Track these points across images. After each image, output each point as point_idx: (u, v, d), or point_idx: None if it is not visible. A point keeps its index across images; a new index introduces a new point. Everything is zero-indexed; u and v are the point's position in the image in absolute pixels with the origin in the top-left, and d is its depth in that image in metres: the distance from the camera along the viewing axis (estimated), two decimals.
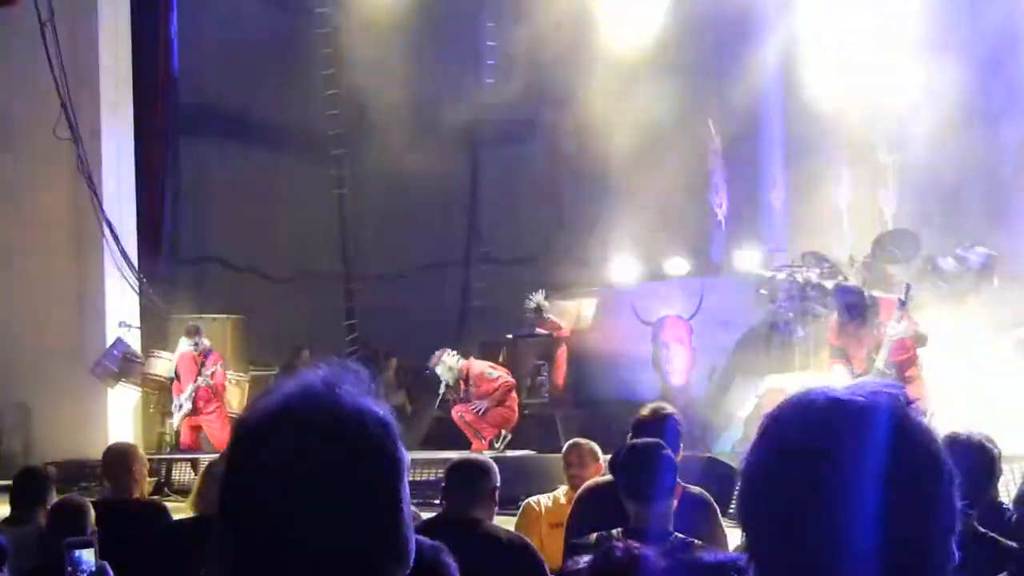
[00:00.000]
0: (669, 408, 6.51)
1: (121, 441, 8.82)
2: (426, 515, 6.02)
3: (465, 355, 15.54)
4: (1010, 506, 5.47)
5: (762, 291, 15.48)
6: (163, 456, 15.40)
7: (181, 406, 15.60)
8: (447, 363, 14.97)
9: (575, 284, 19.33)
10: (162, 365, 16.16)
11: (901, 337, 10.84)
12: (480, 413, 14.57)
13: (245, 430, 1.81)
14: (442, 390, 14.94)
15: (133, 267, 17.03)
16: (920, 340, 11.04)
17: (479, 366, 15.00)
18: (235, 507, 1.77)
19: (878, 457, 1.62)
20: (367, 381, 1.84)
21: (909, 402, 1.70)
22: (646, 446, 5.33)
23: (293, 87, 20.53)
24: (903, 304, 10.76)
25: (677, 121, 18.42)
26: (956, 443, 5.14)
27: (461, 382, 14.76)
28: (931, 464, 1.67)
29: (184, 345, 15.81)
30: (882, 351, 10.78)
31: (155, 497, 7.71)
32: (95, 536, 4.48)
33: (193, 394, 15.50)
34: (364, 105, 20.89)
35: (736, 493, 1.77)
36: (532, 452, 13.85)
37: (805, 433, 1.66)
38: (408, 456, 1.83)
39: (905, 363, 10.85)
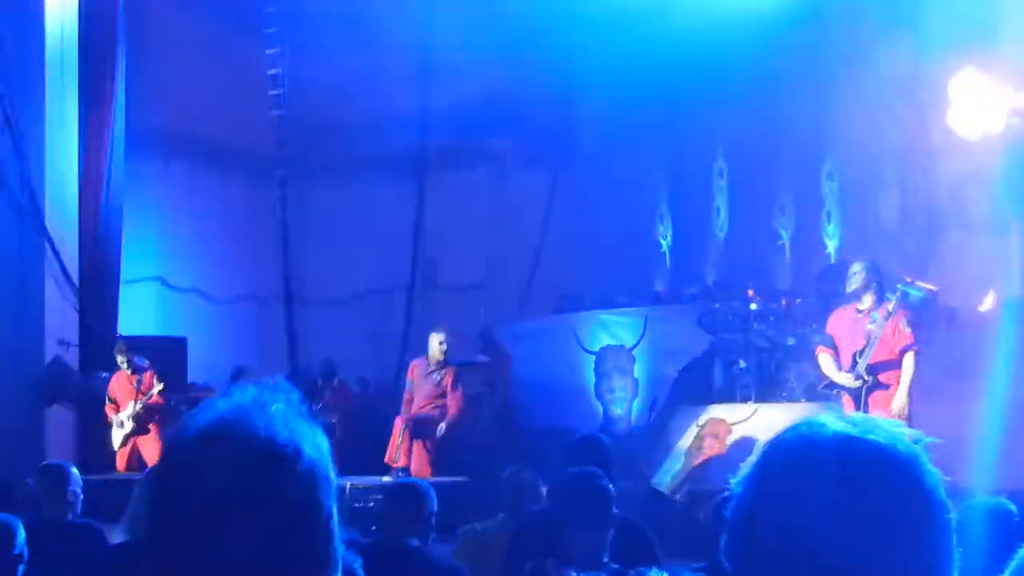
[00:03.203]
0: (603, 436, 6.53)
1: (55, 461, 8.70)
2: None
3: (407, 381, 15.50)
4: None
5: (704, 322, 15.54)
6: (100, 477, 15.21)
7: (123, 423, 15.45)
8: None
9: (520, 311, 19.38)
10: (100, 385, 16.01)
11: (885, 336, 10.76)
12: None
13: (173, 452, 1.79)
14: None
15: (74, 286, 16.88)
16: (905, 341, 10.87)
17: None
18: (163, 531, 1.75)
19: (895, 505, 1.58)
20: (298, 401, 1.83)
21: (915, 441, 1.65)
22: (582, 475, 5.33)
23: (239, 107, 20.45)
24: (891, 314, 10.78)
25: (625, 150, 18.55)
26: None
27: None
28: (942, 513, 1.63)
29: (118, 365, 15.68)
30: (866, 352, 10.78)
31: (89, 519, 7.58)
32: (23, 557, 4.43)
33: (134, 413, 15.36)
34: (310, 127, 20.88)
35: (727, 530, 1.70)
36: (471, 479, 13.81)
37: (816, 476, 1.60)
38: (336, 480, 1.82)
39: (884, 365, 10.83)
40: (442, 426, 14.36)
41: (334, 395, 17.53)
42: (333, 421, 16.74)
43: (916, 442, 1.66)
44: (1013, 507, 5.46)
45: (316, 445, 1.79)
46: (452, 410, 14.48)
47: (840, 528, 1.57)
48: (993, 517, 5.37)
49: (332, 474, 1.80)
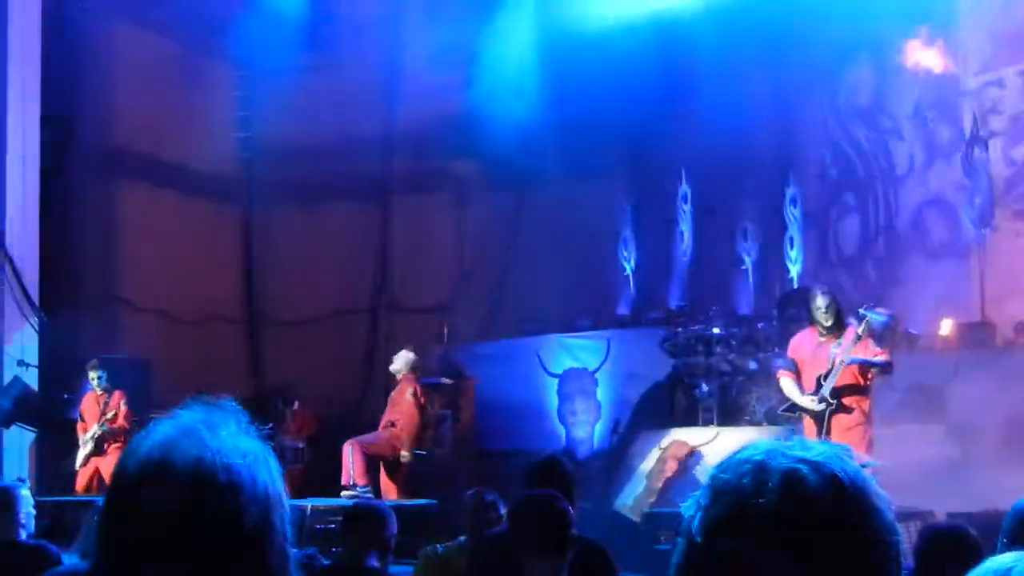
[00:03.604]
0: (561, 458, 6.53)
1: (4, 483, 8.60)
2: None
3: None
4: None
5: (666, 346, 15.58)
6: (58, 498, 15.08)
7: (86, 443, 15.32)
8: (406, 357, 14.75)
9: (483, 334, 19.36)
10: (61, 406, 15.90)
11: (852, 363, 10.68)
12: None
13: (123, 479, 1.77)
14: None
15: (34, 305, 16.75)
16: (882, 369, 10.79)
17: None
18: (116, 559, 1.74)
19: (842, 528, 1.57)
20: (245, 421, 1.82)
21: (863, 465, 1.65)
22: (540, 497, 5.32)
23: (204, 129, 20.39)
24: (859, 338, 10.72)
25: (589, 173, 18.59)
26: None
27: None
28: (889, 537, 1.62)
29: (88, 384, 15.55)
30: (831, 377, 10.71)
31: (43, 541, 7.52)
32: None
33: (97, 434, 15.22)
34: (274, 149, 20.84)
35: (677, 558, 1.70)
36: (433, 501, 13.78)
37: (763, 498, 1.58)
38: (288, 501, 1.81)
39: (848, 389, 10.78)
40: (404, 453, 14.15)
41: (295, 419, 17.46)
42: (301, 446, 16.66)
43: (865, 466, 1.67)
44: (972, 531, 5.48)
45: (269, 468, 1.78)
46: (404, 427, 14.15)
47: (787, 551, 1.57)
48: (951, 541, 5.39)
49: (285, 496, 1.80)
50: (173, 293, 20.40)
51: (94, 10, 19.00)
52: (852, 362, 10.48)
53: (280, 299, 21.59)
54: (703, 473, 10.97)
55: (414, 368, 14.50)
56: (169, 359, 18.78)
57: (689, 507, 1.68)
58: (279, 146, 20.85)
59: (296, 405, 17.60)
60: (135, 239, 20.08)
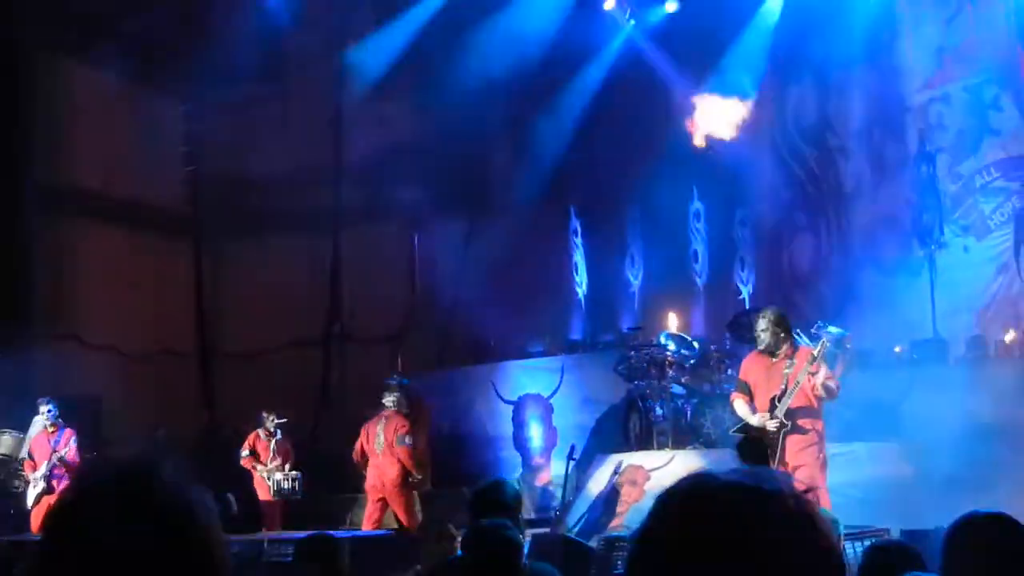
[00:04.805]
0: (505, 481, 6.51)
1: None
2: None
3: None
4: None
5: (620, 369, 15.56)
6: (13, 537, 14.90)
7: (36, 482, 15.14)
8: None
9: (436, 363, 19.33)
10: (8, 443, 15.73)
11: (807, 383, 10.60)
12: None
13: (71, 512, 1.76)
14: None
15: None
16: (828, 392, 10.73)
17: None
18: None
19: (785, 551, 1.57)
20: (182, 461, 1.83)
21: (807, 490, 1.65)
22: (491, 526, 5.31)
23: (152, 163, 20.31)
24: (814, 359, 10.65)
25: (538, 199, 18.62)
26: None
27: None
28: (832, 559, 1.61)
29: (37, 422, 15.36)
30: (785, 399, 10.63)
31: None
32: None
33: (48, 472, 15.05)
34: (223, 182, 20.79)
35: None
36: (391, 530, 13.74)
37: (708, 524, 1.58)
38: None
39: (803, 411, 10.72)
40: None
41: (279, 450, 17.20)
42: (295, 476, 16.48)
43: (807, 491, 1.67)
44: (914, 548, 5.48)
45: (210, 506, 1.79)
46: None
47: (731, 573, 1.56)
48: (893, 559, 5.39)
49: (224, 533, 1.81)
50: (124, 328, 20.30)
51: (40, 48, 18.92)
52: (809, 375, 10.44)
53: (232, 332, 21.51)
54: (652, 498, 10.94)
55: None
56: (120, 395, 18.66)
57: (634, 533, 1.68)
58: (228, 179, 20.81)
59: (279, 435, 17.33)
60: (85, 275, 19.98)
